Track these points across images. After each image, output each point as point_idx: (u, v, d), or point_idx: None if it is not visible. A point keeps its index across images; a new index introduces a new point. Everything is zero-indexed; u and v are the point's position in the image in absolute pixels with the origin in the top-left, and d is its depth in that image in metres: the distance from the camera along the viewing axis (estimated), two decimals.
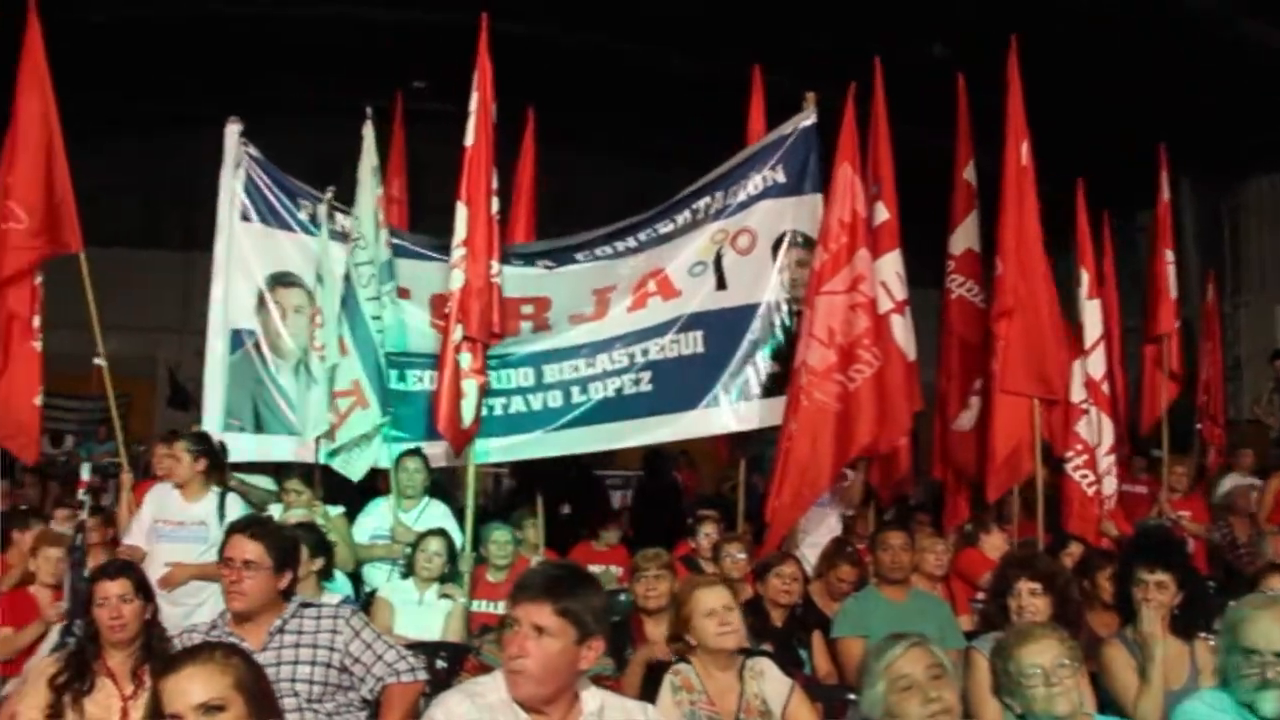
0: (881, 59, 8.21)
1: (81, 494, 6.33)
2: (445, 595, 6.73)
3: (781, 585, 6.26)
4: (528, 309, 8.11)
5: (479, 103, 7.47)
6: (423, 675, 4.29)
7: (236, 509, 6.70)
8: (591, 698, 3.19)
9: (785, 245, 8.06)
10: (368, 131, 7.72)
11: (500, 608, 7.03)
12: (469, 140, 7.45)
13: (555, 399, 8.11)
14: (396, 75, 15.70)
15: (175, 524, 6.73)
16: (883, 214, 8.07)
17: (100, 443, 15.40)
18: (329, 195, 7.75)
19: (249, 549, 4.14)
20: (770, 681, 4.51)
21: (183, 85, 18.80)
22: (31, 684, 4.36)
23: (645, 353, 8.08)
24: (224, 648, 2.91)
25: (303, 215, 8.11)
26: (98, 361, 7.12)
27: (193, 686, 2.70)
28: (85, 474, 6.37)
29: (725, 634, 4.49)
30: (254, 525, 4.39)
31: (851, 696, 5.40)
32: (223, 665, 2.76)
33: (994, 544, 7.52)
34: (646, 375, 8.06)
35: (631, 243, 8.15)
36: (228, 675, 2.74)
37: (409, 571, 6.82)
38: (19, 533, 7.23)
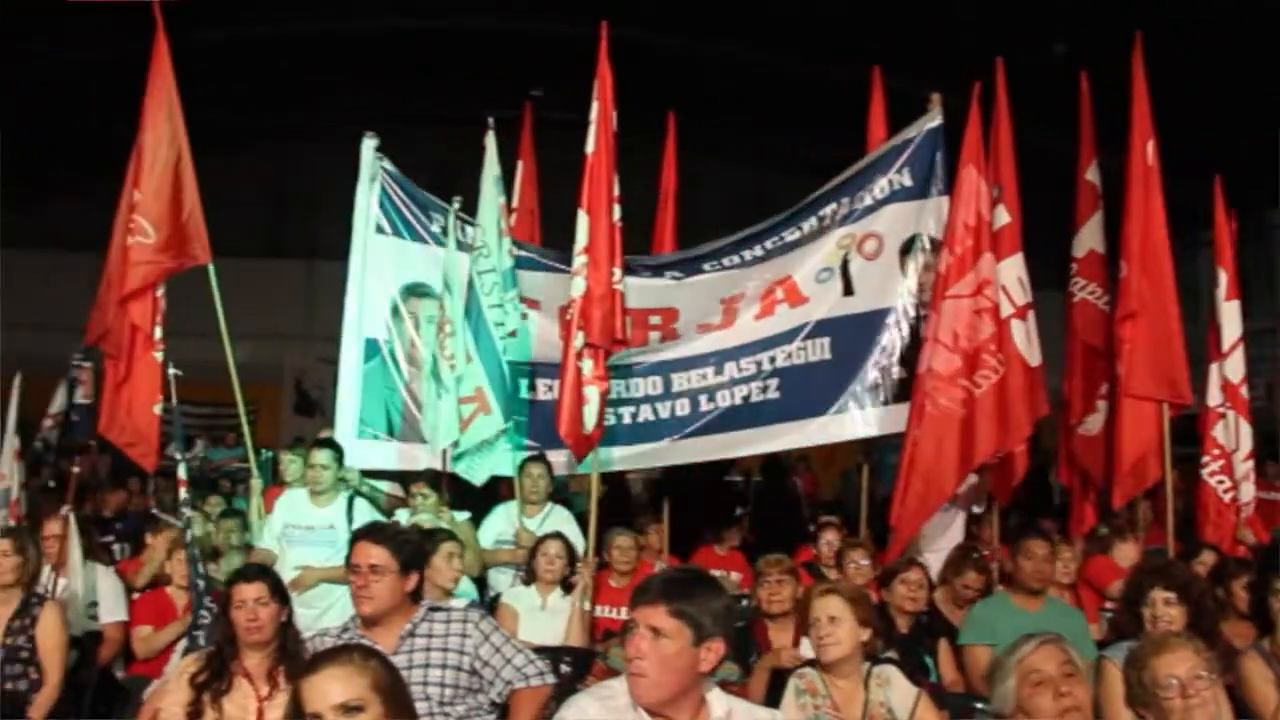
0: (1002, 59, 8.09)
1: (183, 493, 6.45)
2: (565, 595, 6.78)
3: (907, 592, 6.20)
4: (656, 319, 8.16)
5: (599, 111, 7.49)
6: (550, 679, 4.30)
7: (365, 513, 6.83)
8: (719, 702, 3.18)
9: (913, 249, 7.99)
10: (490, 141, 7.79)
11: (623, 613, 7.08)
12: (589, 148, 7.46)
13: (683, 407, 8.14)
14: (515, 85, 15.90)
15: (305, 528, 6.87)
16: (1004, 217, 7.92)
17: (229, 448, 15.82)
18: (455, 206, 7.83)
19: (374, 554, 4.19)
20: (896, 690, 4.48)
21: (303, 99, 19.21)
22: (174, 682, 4.48)
23: (773, 360, 8.08)
24: (362, 649, 2.94)
25: (435, 228, 8.21)
26: (174, 373, 7.25)
27: (332, 687, 2.73)
28: (182, 473, 6.50)
29: (824, 645, 4.49)
30: (378, 530, 4.44)
31: (979, 705, 5.35)
32: (361, 666, 2.79)
33: (1126, 552, 7.36)
34: (774, 382, 8.06)
35: (758, 251, 8.14)
36: (366, 676, 2.77)
37: (531, 577, 6.88)
38: (152, 535, 7.41)
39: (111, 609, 6.58)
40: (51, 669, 5.51)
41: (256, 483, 7.87)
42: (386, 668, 2.87)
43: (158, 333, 7.60)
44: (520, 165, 10.18)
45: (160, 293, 7.72)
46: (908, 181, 8.02)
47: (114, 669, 6.46)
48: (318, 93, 18.98)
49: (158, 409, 7.57)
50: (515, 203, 9.93)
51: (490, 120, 7.85)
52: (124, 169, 7.99)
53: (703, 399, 8.12)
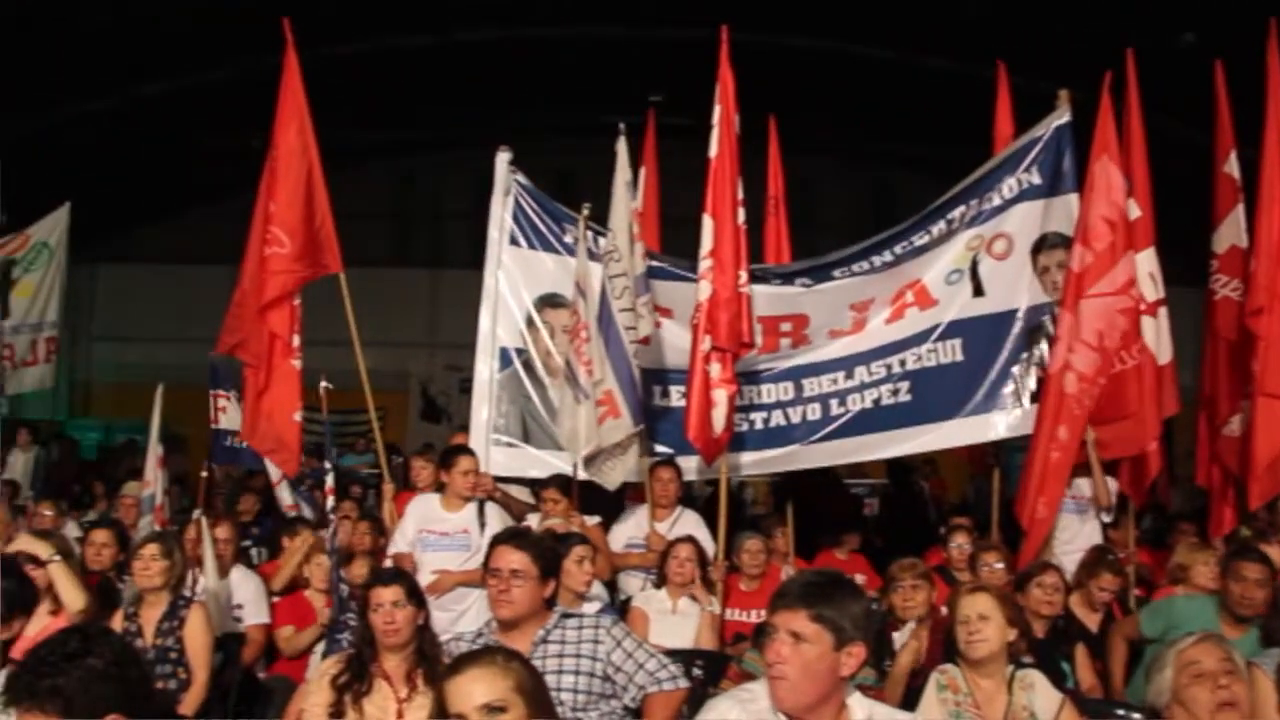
0: (1132, 50, 7.91)
1: (331, 500, 6.57)
2: (694, 598, 6.78)
3: (1043, 596, 6.07)
4: (786, 326, 8.13)
5: (721, 114, 7.46)
6: (684, 683, 4.29)
7: (496, 518, 6.89)
8: (859, 706, 3.16)
9: (1045, 248, 7.87)
10: (621, 146, 7.81)
11: (753, 616, 7.07)
12: (713, 152, 7.44)
13: (814, 412, 8.11)
14: (634, 92, 15.95)
15: (439, 533, 6.94)
16: (1136, 211, 7.75)
17: (359, 454, 16.11)
18: (585, 213, 7.89)
19: (515, 559, 4.22)
20: (1040, 694, 4.41)
21: (425, 112, 19.48)
22: (315, 683, 4.57)
23: (903, 363, 8.02)
24: (505, 652, 2.96)
25: (569, 238, 8.28)
26: (325, 385, 7.38)
27: (476, 688, 2.75)
28: (330, 482, 6.62)
29: (972, 643, 4.45)
30: (519, 535, 4.50)
31: (1120, 712, 5.24)
32: (504, 668, 2.81)
33: (1269, 554, 7.14)
34: (905, 385, 8.00)
35: (888, 256, 8.08)
36: (509, 678, 2.78)
37: (662, 581, 6.89)
38: (289, 539, 7.57)
39: (254, 611, 6.75)
40: (199, 669, 5.66)
41: (389, 488, 8.00)
42: (529, 670, 2.89)
43: (295, 340, 7.76)
44: (643, 171, 10.22)
45: (297, 301, 7.89)
46: (1036, 180, 7.90)
47: (256, 670, 6.62)
48: (439, 104, 19.24)
49: (297, 416, 7.73)
50: (638, 208, 9.98)
51: (620, 126, 7.86)
52: (253, 183, 8.19)
53: (834, 403, 8.09)
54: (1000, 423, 7.90)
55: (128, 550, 6.62)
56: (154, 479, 8.07)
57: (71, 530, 8.09)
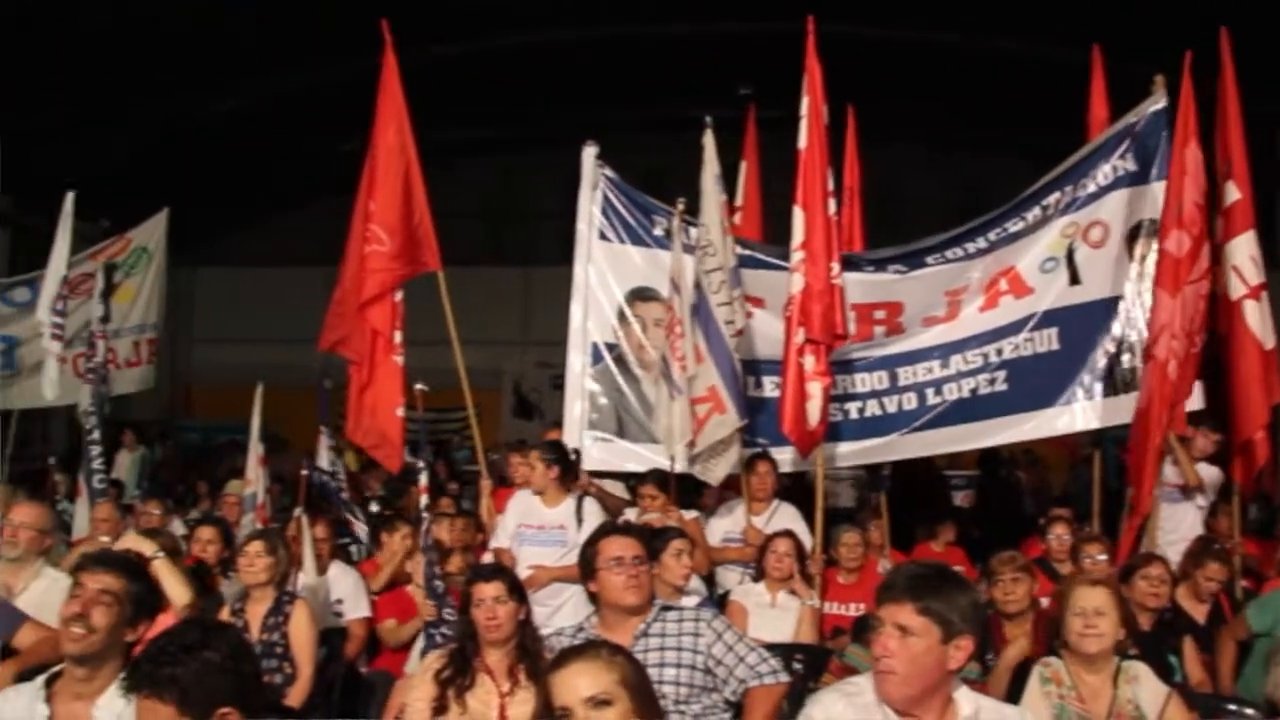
0: (1226, 29, 7.71)
1: (424, 499, 6.63)
2: (792, 592, 6.75)
3: (1149, 588, 5.95)
4: (880, 314, 8.11)
5: (809, 105, 7.43)
6: (785, 677, 4.29)
7: (593, 513, 6.91)
8: (966, 701, 3.13)
9: (1142, 235, 7.75)
10: (709, 140, 7.80)
11: (851, 609, 7.03)
12: (802, 143, 7.42)
13: (910, 401, 8.07)
14: (721, 86, 15.92)
15: (536, 528, 6.98)
16: (1234, 194, 7.59)
17: (454, 451, 16.29)
18: (680, 208, 7.88)
19: (633, 545, 4.31)
20: (1145, 688, 4.34)
21: (515, 111, 19.60)
22: (419, 677, 4.63)
23: (999, 352, 7.96)
24: (609, 646, 2.97)
25: (658, 231, 8.30)
26: (420, 387, 7.44)
27: (581, 681, 2.76)
28: (423, 480, 6.68)
29: (1087, 637, 4.38)
30: (626, 527, 4.55)
31: (1232, 707, 5.13)
32: (609, 662, 2.82)
33: None
34: (1001, 374, 7.94)
35: (982, 243, 8.01)
36: (614, 672, 2.80)
37: (760, 574, 6.87)
38: (387, 535, 7.66)
39: (354, 606, 6.83)
40: (303, 663, 5.75)
41: (486, 484, 8.06)
42: (633, 664, 2.90)
43: (398, 337, 7.83)
44: (743, 165, 10.20)
45: (399, 298, 7.96)
46: (1132, 166, 7.79)
47: (358, 665, 6.70)
48: (530, 103, 19.35)
49: (400, 411, 7.80)
50: (740, 201, 9.97)
51: (708, 119, 7.84)
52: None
53: (929, 392, 8.04)
54: (1093, 412, 7.83)
55: (232, 547, 6.76)
56: (256, 477, 8.20)
57: (176, 528, 8.24)
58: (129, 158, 17.40)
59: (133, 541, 5.65)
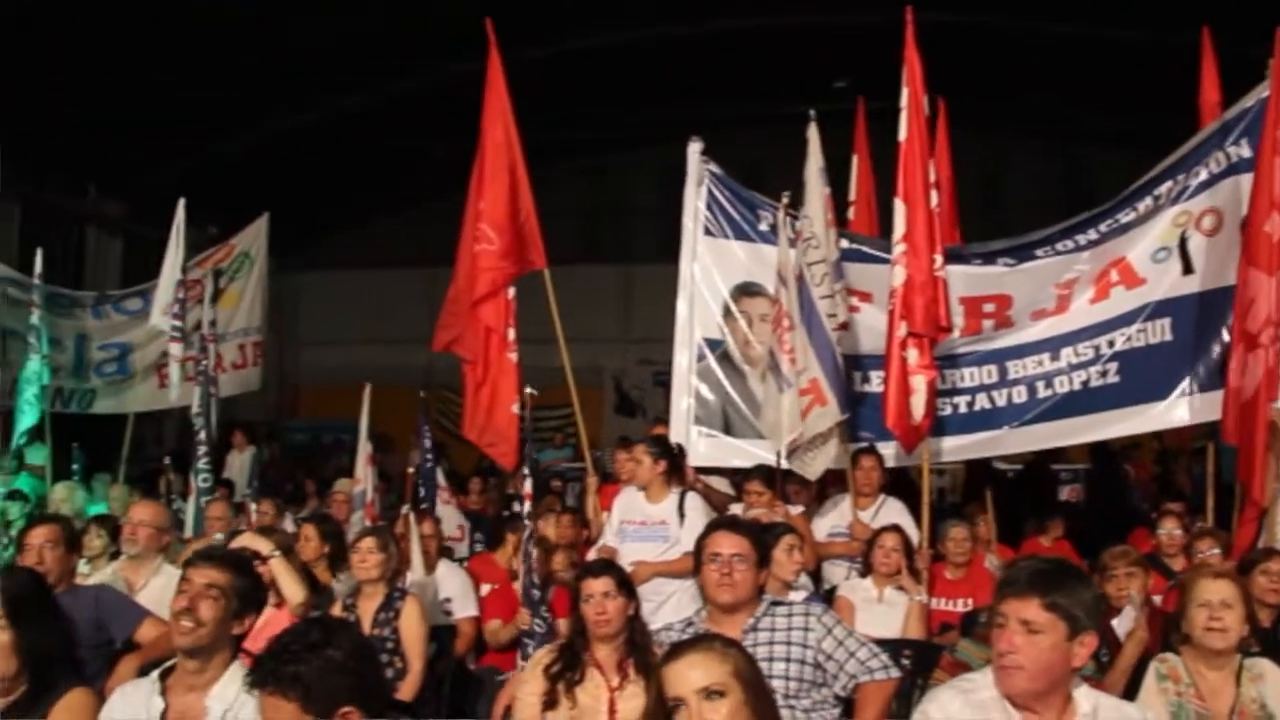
0: None
1: (528, 507, 6.65)
2: (900, 587, 6.70)
3: (1269, 584, 5.76)
4: (989, 307, 7.99)
5: (909, 97, 7.36)
6: (896, 673, 4.27)
7: (696, 509, 6.91)
8: (1085, 698, 3.08)
9: None
10: (812, 133, 7.76)
11: (959, 605, 6.96)
12: (902, 135, 7.35)
13: (1019, 395, 7.95)
14: (816, 79, 15.83)
15: (638, 524, 7.00)
16: None
17: (557, 449, 16.38)
18: (784, 201, 7.85)
19: (735, 543, 4.27)
20: (1271, 685, 4.24)
21: (611, 110, 19.66)
22: (529, 672, 4.66)
23: (1111, 344, 7.80)
24: (722, 638, 2.96)
25: (764, 226, 8.28)
26: (529, 391, 7.47)
27: (694, 673, 2.76)
28: (528, 487, 6.72)
29: (1213, 631, 4.27)
30: (736, 521, 4.55)
31: None
32: (722, 654, 2.82)
33: None
34: (1114, 367, 7.79)
35: (1092, 235, 7.87)
36: (727, 664, 2.79)
37: (867, 570, 6.82)
38: (512, 534, 7.70)
39: (462, 605, 6.90)
40: (414, 658, 5.83)
41: (593, 480, 8.09)
42: (745, 657, 2.89)
43: (511, 334, 7.88)
44: (854, 159, 10.15)
45: (511, 295, 8.01)
46: (1246, 153, 7.54)
47: (467, 661, 6.77)
48: (625, 102, 19.40)
49: (515, 409, 7.84)
50: (853, 196, 9.92)
51: (811, 113, 7.80)
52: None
53: (1040, 385, 7.91)
54: (1208, 405, 7.60)
55: (337, 544, 6.88)
56: (364, 476, 8.31)
57: (287, 526, 8.39)
58: (235, 165, 17.75)
59: (249, 540, 5.75)
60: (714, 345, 8.36)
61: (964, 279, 7.69)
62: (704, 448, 8.14)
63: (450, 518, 9.09)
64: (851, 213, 9.74)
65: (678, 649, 2.90)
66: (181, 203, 10.33)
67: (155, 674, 3.63)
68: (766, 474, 7.49)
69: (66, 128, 15.55)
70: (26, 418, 10.02)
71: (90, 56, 14.12)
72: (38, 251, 10.61)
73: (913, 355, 7.14)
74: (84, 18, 13.43)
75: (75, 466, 10.32)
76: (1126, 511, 11.41)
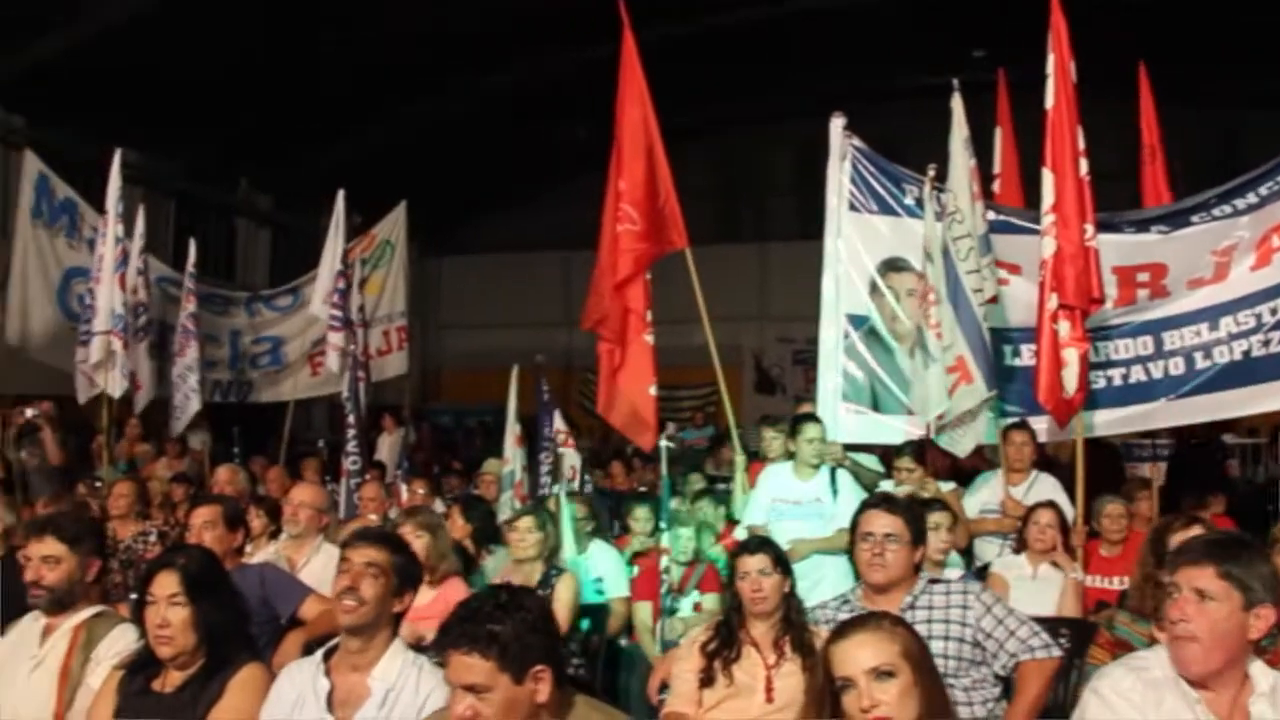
0: None
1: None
2: (1055, 564, 6.57)
3: None
4: (1143, 277, 7.78)
5: (1055, 63, 7.16)
6: (1057, 651, 4.21)
7: (848, 485, 6.89)
8: (1263, 675, 2.99)
9: None
10: (956, 104, 7.62)
11: (1115, 583, 6.80)
12: (1049, 103, 7.16)
13: (1177, 366, 7.73)
14: (953, 50, 15.58)
15: (792, 502, 6.99)
16: None
17: (698, 428, 16.43)
18: (930, 175, 7.74)
19: (888, 522, 4.25)
20: None
21: (742, 88, 19.59)
22: (685, 649, 4.68)
23: (1274, 311, 7.51)
24: (890, 617, 2.96)
25: (909, 199, 8.18)
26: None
27: (863, 653, 2.77)
28: (664, 466, 6.71)
29: None
30: (890, 500, 4.50)
31: None
32: (891, 633, 2.82)
33: None
34: (1276, 336, 7.50)
35: (1252, 199, 7.58)
36: (896, 643, 2.79)
37: (1021, 546, 6.71)
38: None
39: (615, 585, 6.94)
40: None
41: (740, 459, 8.09)
42: (914, 636, 2.89)
43: (649, 315, 7.91)
44: (999, 131, 9.98)
45: (648, 276, 8.05)
46: None
47: (619, 639, 6.82)
48: (759, 79, 19.32)
49: (652, 390, 7.88)
50: (998, 169, 9.76)
51: (955, 83, 7.66)
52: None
53: (1198, 356, 7.68)
54: None
55: (488, 525, 6.97)
56: (512, 456, 8.41)
57: (437, 507, 8.53)
58: (377, 155, 18.10)
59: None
60: (860, 321, 8.27)
61: (1117, 248, 7.48)
62: (852, 424, 8.06)
63: None
64: (997, 185, 9.56)
65: (845, 628, 2.90)
66: (341, 194, 10.56)
67: (319, 654, 3.71)
68: (917, 450, 7.41)
69: (217, 125, 16.02)
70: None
71: (237, 55, 14.53)
72: (191, 244, 10.91)
73: (1064, 328, 6.97)
74: (230, 19, 13.82)
75: (235, 450, 10.63)
76: None
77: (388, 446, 13.18)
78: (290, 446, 11.89)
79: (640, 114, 8.14)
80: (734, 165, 22.31)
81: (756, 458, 8.35)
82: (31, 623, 4.27)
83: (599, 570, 6.94)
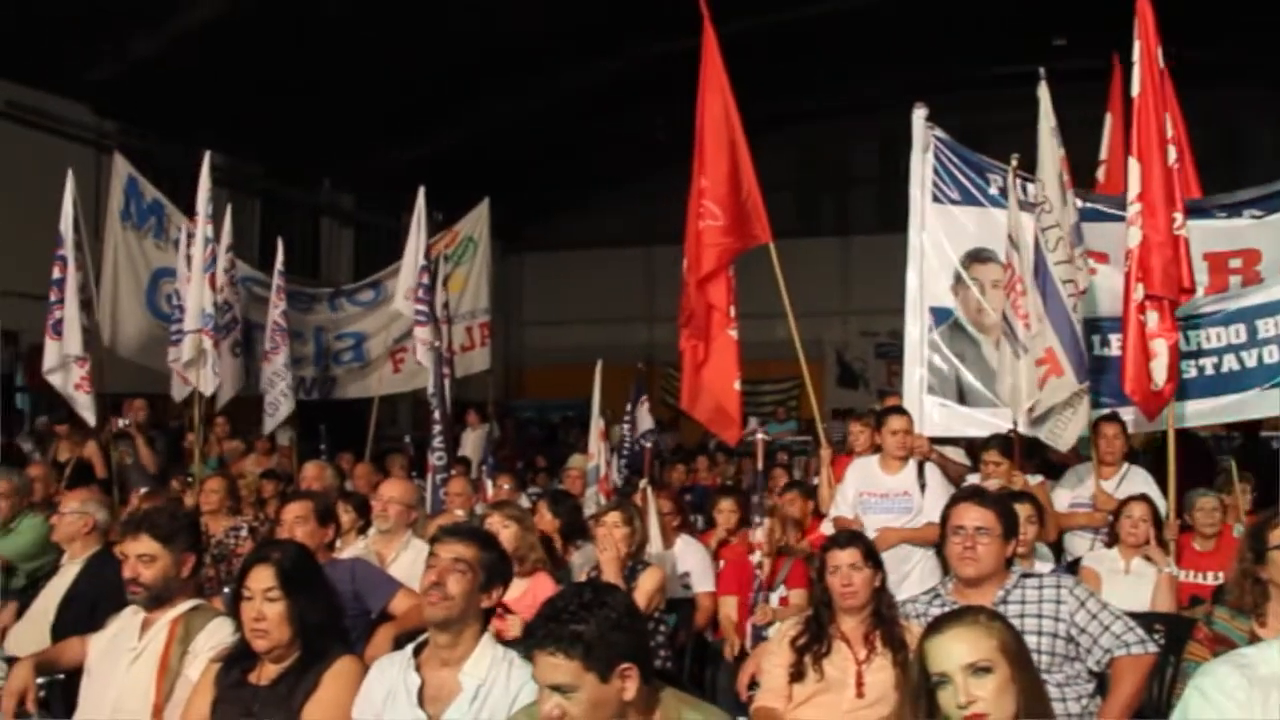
0: None
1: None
2: (1147, 559, 6.47)
3: None
4: (1235, 263, 7.64)
5: (1141, 50, 7.02)
6: (1153, 647, 4.14)
7: (936, 478, 6.85)
8: None
9: None
10: (1043, 93, 7.50)
11: (1209, 579, 6.69)
12: (1135, 90, 7.04)
13: (1271, 354, 7.56)
14: (1033, 39, 15.39)
15: (879, 495, 6.95)
16: None
17: (780, 422, 16.39)
18: (1014, 163, 7.64)
19: (979, 515, 4.22)
20: None
21: (820, 81, 19.50)
22: (775, 643, 4.65)
23: None
24: (986, 612, 2.93)
25: (993, 190, 8.09)
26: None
27: (960, 647, 2.74)
28: (760, 458, 6.67)
29: None
30: (981, 493, 4.48)
31: None
32: (988, 628, 2.79)
33: None
34: None
35: None
36: (993, 638, 2.76)
37: (1113, 540, 6.62)
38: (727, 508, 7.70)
39: (701, 580, 6.94)
40: None
41: (826, 453, 8.05)
42: (1011, 631, 2.85)
43: (732, 311, 7.90)
44: (1108, 118, 9.84)
45: (731, 272, 8.03)
46: None
47: (706, 634, 6.82)
48: (838, 72, 19.23)
49: (737, 385, 7.87)
50: (1104, 155, 9.63)
51: (1041, 71, 7.55)
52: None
53: None
54: None
55: (574, 520, 7.02)
56: (597, 451, 8.43)
57: (523, 502, 8.57)
58: (457, 152, 18.24)
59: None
60: (943, 315, 8.20)
61: (1208, 234, 7.35)
62: (938, 417, 8.01)
63: None
64: (1101, 173, 9.41)
65: (941, 622, 2.87)
66: (421, 191, 10.64)
67: (409, 649, 3.74)
68: (1004, 443, 7.33)
69: (300, 125, 16.23)
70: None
71: (319, 56, 14.72)
72: (279, 243, 11.05)
73: (1152, 318, 6.84)
74: (311, 21, 14.00)
75: (322, 446, 10.76)
76: None
77: (472, 442, 13.29)
78: (375, 443, 11.99)
79: (721, 108, 8.10)
80: (814, 158, 22.21)
81: (842, 451, 8.32)
82: (130, 616, 4.36)
83: (685, 565, 6.95)
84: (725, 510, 7.59)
